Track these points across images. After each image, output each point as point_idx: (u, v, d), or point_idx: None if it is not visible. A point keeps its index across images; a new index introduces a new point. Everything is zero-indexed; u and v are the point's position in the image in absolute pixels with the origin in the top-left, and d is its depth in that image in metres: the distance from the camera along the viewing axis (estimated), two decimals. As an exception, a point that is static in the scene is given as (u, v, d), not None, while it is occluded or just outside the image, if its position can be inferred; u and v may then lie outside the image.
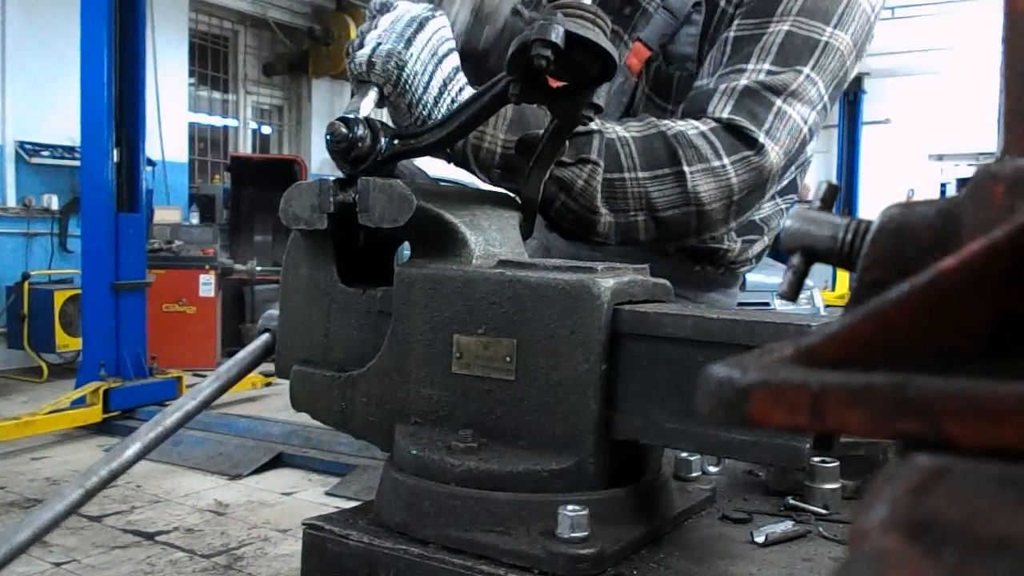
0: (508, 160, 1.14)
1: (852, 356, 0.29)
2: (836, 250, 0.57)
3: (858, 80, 14.38)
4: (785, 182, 1.41)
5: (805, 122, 1.27)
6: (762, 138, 1.22)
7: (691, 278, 1.49)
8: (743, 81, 1.25)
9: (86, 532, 3.87)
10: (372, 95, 1.07)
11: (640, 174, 1.19)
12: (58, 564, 3.51)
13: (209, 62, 10.46)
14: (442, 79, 1.10)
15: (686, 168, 1.19)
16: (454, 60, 1.12)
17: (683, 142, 1.20)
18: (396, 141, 0.98)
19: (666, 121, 1.23)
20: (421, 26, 1.08)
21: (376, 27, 1.09)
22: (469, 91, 1.13)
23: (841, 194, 12.73)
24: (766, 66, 1.26)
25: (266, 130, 11.47)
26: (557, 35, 0.86)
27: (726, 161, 1.21)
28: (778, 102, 1.24)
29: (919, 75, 14.03)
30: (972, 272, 0.28)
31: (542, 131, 1.06)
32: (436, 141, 0.98)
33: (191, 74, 9.90)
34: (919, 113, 14.35)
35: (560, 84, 0.96)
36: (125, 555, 3.66)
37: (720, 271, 1.52)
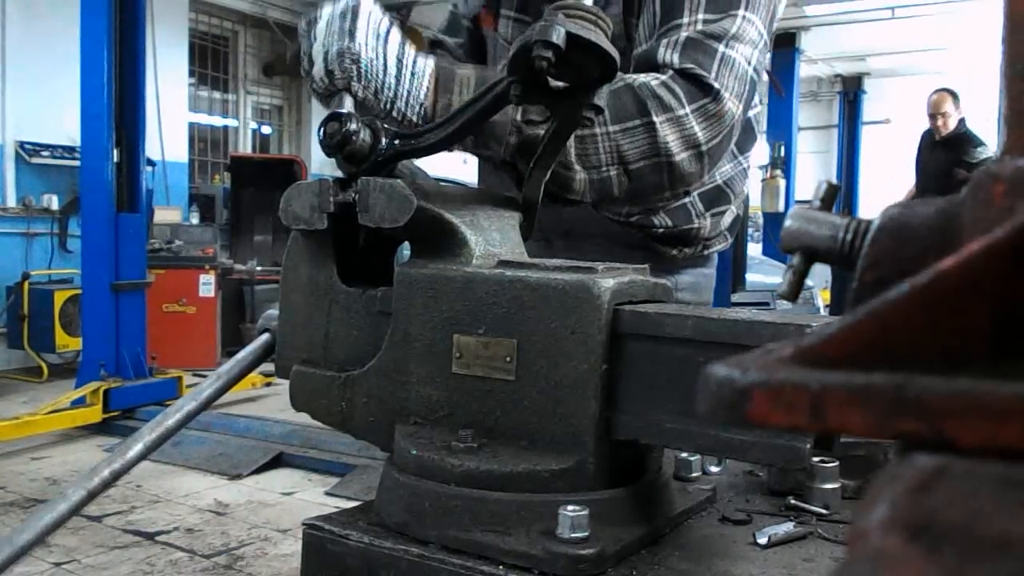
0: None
1: (852, 356, 0.29)
2: (836, 250, 0.57)
3: (858, 80, 14.36)
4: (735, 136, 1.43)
5: (749, 63, 1.28)
6: (716, 84, 1.24)
7: (667, 264, 1.51)
8: (683, 33, 1.27)
9: (86, 532, 3.87)
10: (347, 102, 1.08)
11: (611, 128, 1.20)
12: (58, 564, 3.51)
13: (209, 62, 10.45)
14: (395, 56, 1.12)
15: (655, 118, 1.20)
16: (397, 35, 1.14)
17: (647, 93, 1.21)
18: (397, 141, 0.98)
19: (629, 75, 1.24)
20: (355, 15, 1.10)
21: (315, 39, 1.10)
22: (423, 59, 1.16)
23: (841, 194, 12.72)
24: (701, 16, 1.27)
25: (266, 130, 11.46)
26: (558, 36, 0.86)
27: (687, 110, 1.22)
28: (721, 48, 1.26)
29: (919, 75, 14.01)
30: (972, 272, 0.28)
31: (542, 132, 1.06)
32: (437, 141, 0.98)
33: (191, 74, 9.90)
34: (919, 113, 14.33)
35: (561, 85, 0.96)
36: (125, 555, 3.66)
37: (698, 249, 1.53)
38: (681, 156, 1.22)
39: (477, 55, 1.62)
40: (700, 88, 1.23)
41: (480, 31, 1.60)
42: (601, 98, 0.96)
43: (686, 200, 1.44)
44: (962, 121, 7.48)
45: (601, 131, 1.20)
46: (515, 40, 1.41)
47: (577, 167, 1.20)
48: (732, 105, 1.25)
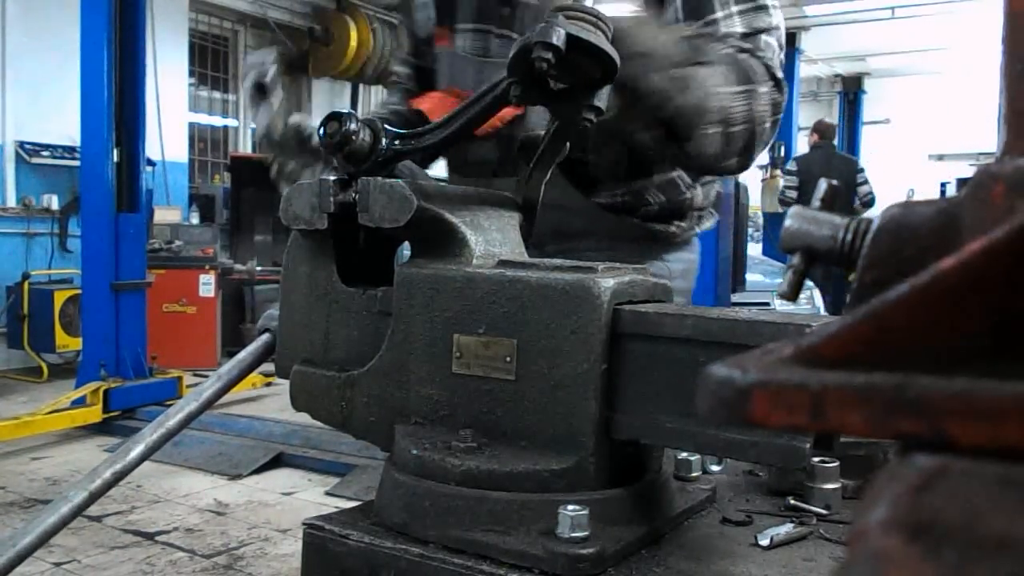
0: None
1: (852, 356, 0.29)
2: (836, 250, 0.57)
3: (858, 80, 14.37)
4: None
5: (781, 47, 1.34)
6: (779, 75, 1.28)
7: (661, 247, 1.52)
8: (737, 28, 1.31)
9: (86, 532, 3.86)
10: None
11: (729, 88, 1.22)
12: (58, 564, 3.51)
13: (209, 62, 10.45)
14: None
15: (757, 88, 1.23)
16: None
17: (745, 64, 1.25)
18: (397, 142, 0.98)
19: (717, 44, 1.27)
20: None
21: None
22: None
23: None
24: (734, 8, 1.31)
25: (266, 130, 11.44)
26: (558, 38, 0.86)
27: (767, 89, 1.26)
28: (772, 41, 1.31)
29: (919, 75, 14.02)
30: (972, 272, 0.28)
31: (543, 132, 1.06)
32: (438, 142, 0.98)
33: (191, 74, 9.89)
34: (919, 113, 14.35)
35: (561, 86, 0.96)
36: (125, 555, 3.66)
37: (693, 222, 1.56)
38: (762, 127, 1.25)
39: (426, 80, 1.59)
40: (767, 71, 1.27)
41: (430, 51, 1.57)
42: (601, 99, 0.96)
43: (673, 174, 1.47)
44: (821, 143, 9.13)
45: (724, 91, 1.21)
46: (475, 51, 1.41)
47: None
48: (783, 98, 1.29)
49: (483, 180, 1.39)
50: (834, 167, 8.67)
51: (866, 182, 8.96)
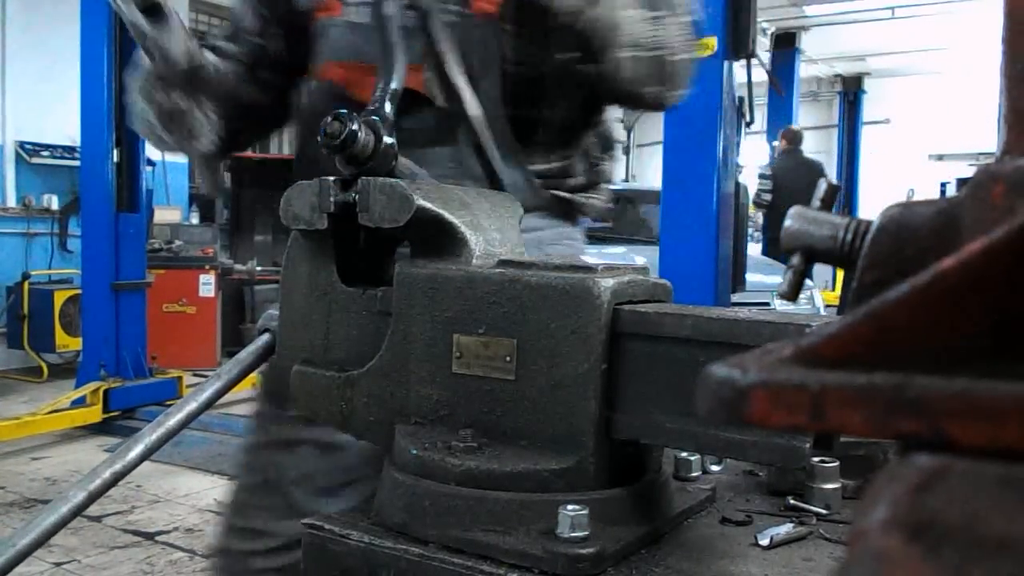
0: None
1: (852, 356, 0.29)
2: (836, 250, 0.57)
3: (858, 80, 14.37)
4: None
5: None
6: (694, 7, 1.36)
7: (575, 215, 1.53)
8: None
9: (86, 532, 3.86)
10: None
11: (637, 12, 1.25)
12: (58, 564, 3.51)
13: (209, 62, 10.45)
14: None
15: (667, 16, 1.28)
16: None
17: None
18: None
19: None
20: None
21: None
22: None
23: (841, 194, 12.70)
24: None
25: (266, 130, 11.44)
26: None
27: (681, 19, 1.31)
28: None
29: (919, 75, 14.03)
30: (972, 272, 0.28)
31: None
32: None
33: (191, 74, 9.89)
34: (919, 113, 14.35)
35: None
36: (125, 555, 3.66)
37: (606, 199, 1.58)
38: (673, 57, 1.28)
39: (266, 62, 1.53)
40: (688, 8, 1.33)
41: (307, 25, 1.46)
42: None
43: (584, 147, 1.49)
44: (789, 148, 9.65)
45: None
46: (376, 21, 1.36)
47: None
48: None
49: (416, 151, 1.29)
50: (804, 172, 9.14)
51: None
